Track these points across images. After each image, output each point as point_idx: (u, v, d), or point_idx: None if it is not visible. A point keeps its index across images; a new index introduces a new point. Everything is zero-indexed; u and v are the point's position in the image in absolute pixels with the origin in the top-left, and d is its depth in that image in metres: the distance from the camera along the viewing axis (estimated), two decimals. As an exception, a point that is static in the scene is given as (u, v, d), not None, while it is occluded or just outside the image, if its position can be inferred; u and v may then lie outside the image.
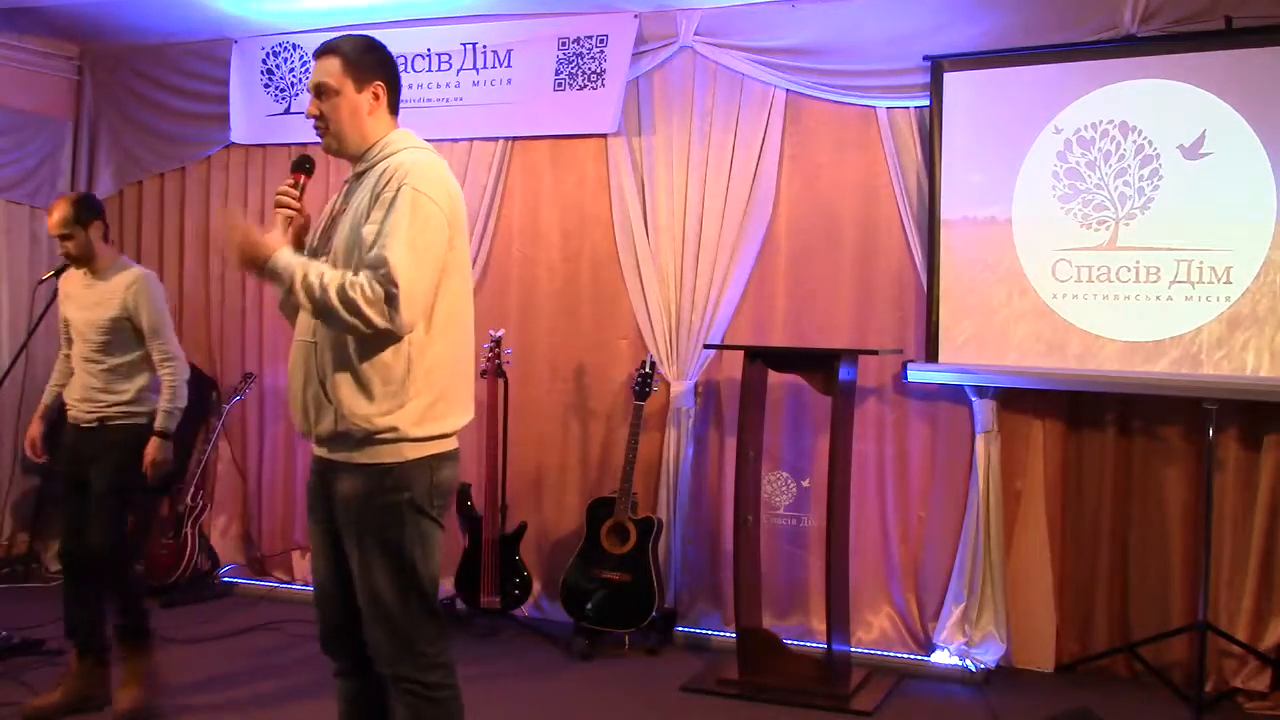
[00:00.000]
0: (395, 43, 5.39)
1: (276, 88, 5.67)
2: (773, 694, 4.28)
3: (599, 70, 5.15)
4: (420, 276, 2.54)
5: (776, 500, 4.99)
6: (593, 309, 5.32)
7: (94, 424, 4.07)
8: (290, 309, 2.79)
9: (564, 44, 5.22)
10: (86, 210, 4.07)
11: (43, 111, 6.12)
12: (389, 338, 2.57)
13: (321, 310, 2.54)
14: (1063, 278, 4.49)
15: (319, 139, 2.74)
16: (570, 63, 5.20)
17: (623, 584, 4.82)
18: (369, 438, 2.60)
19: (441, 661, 2.69)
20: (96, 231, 4.09)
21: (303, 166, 2.76)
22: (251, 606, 5.44)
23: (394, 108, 2.76)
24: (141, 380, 4.08)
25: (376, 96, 2.70)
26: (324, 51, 2.72)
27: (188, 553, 5.55)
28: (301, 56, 5.64)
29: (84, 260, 4.08)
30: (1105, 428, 4.56)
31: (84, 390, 4.07)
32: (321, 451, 2.72)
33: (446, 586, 5.36)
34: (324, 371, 2.63)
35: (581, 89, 5.18)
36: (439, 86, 5.43)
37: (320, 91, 2.68)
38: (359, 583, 2.66)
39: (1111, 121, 4.41)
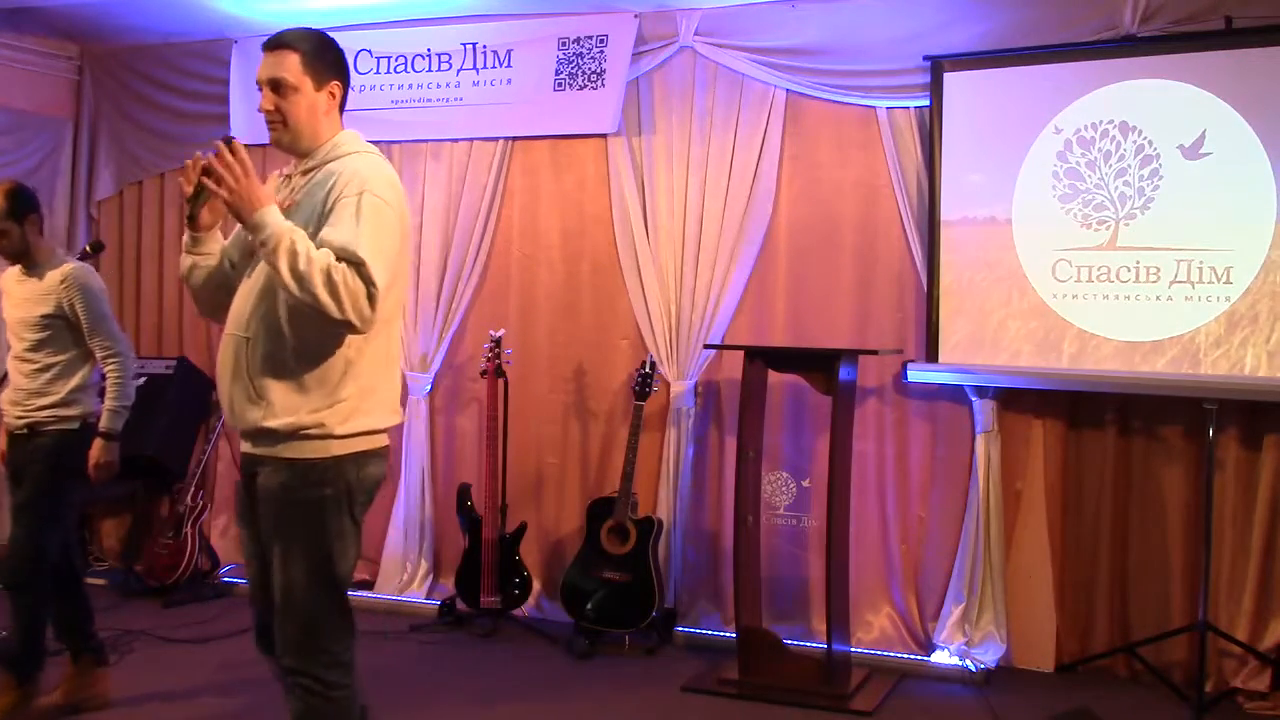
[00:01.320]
0: (395, 43, 5.50)
1: (276, 88, 5.66)
2: (773, 694, 4.28)
3: (599, 70, 5.15)
4: (386, 281, 2.57)
5: (776, 500, 4.99)
6: (593, 309, 5.32)
7: (24, 430, 3.87)
8: (200, 285, 2.76)
9: (564, 44, 5.21)
10: (22, 203, 3.86)
11: (43, 111, 6.11)
12: (331, 335, 2.59)
13: (298, 278, 2.48)
14: (1062, 278, 4.49)
15: (271, 130, 2.72)
16: (570, 63, 5.20)
17: (623, 584, 4.82)
18: (295, 433, 2.62)
19: (344, 660, 2.70)
20: (33, 226, 3.90)
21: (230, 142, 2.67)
22: (251, 606, 5.42)
23: (343, 107, 2.79)
24: (75, 381, 3.87)
25: (333, 95, 2.74)
26: (280, 45, 2.69)
27: (188, 553, 5.55)
28: (301, 56, 5.63)
29: (19, 255, 3.91)
30: (1105, 428, 4.55)
31: (15, 393, 3.89)
32: (247, 447, 2.72)
33: (447, 586, 5.38)
34: (254, 367, 2.63)
35: (581, 89, 5.18)
36: (439, 86, 5.43)
37: (277, 86, 2.67)
38: (276, 575, 2.67)
39: (1111, 121, 4.40)
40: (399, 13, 5.40)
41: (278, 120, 2.69)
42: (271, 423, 2.61)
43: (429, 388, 5.50)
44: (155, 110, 6.08)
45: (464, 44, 5.39)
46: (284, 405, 2.61)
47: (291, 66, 2.67)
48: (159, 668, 4.51)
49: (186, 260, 2.79)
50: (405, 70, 5.47)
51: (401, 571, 5.47)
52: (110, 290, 6.19)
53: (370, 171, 2.65)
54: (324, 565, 2.66)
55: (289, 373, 2.61)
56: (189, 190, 2.64)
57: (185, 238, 2.78)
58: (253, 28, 5.68)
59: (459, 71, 5.40)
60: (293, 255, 2.48)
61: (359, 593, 5.48)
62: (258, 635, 2.88)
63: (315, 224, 2.61)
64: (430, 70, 5.44)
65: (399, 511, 5.50)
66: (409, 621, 5.15)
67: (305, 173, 2.74)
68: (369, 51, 5.49)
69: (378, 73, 5.49)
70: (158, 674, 4.43)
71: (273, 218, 2.53)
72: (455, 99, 5.40)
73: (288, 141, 2.73)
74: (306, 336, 2.60)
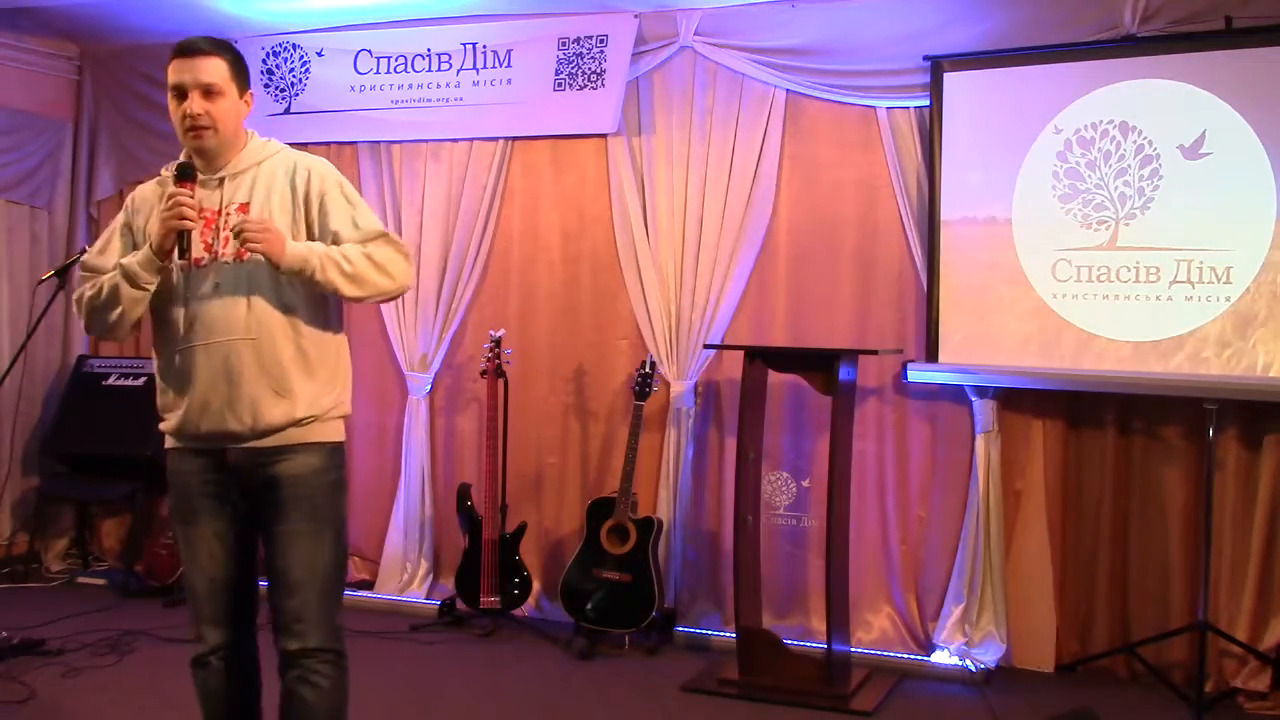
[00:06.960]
0: (395, 43, 5.51)
1: (277, 88, 5.67)
2: (773, 694, 4.28)
3: (599, 70, 5.15)
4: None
5: (776, 500, 4.99)
6: (593, 309, 5.32)
7: None
8: (138, 312, 2.75)
9: (564, 44, 5.22)
10: None
11: (43, 111, 6.12)
12: (327, 318, 2.80)
13: (354, 281, 2.71)
14: (1063, 277, 4.49)
15: (198, 135, 2.74)
16: (570, 63, 5.20)
17: (623, 584, 4.82)
18: (320, 416, 2.77)
19: (343, 632, 2.86)
20: None
21: (189, 175, 2.74)
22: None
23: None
24: None
25: (248, 104, 2.85)
26: (204, 52, 2.73)
27: (188, 553, 5.53)
28: (302, 57, 5.63)
29: None
30: (1105, 428, 4.56)
31: None
32: (246, 445, 2.72)
33: (447, 586, 5.38)
34: (275, 365, 2.72)
35: (581, 89, 5.18)
36: (439, 86, 5.43)
37: (208, 91, 2.73)
38: (299, 557, 2.73)
39: (1111, 121, 4.41)
40: (399, 13, 5.40)
41: (208, 125, 2.73)
42: (301, 412, 2.73)
43: (429, 388, 5.50)
44: (155, 110, 6.06)
45: (464, 44, 5.39)
46: (305, 393, 2.75)
47: (220, 72, 2.74)
48: (159, 668, 4.51)
49: (139, 294, 2.72)
50: (405, 70, 5.47)
51: (401, 571, 5.47)
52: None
53: (322, 161, 2.88)
54: (344, 542, 2.87)
55: (304, 362, 2.75)
56: (190, 226, 2.67)
57: (150, 269, 2.71)
58: (253, 28, 5.68)
59: (459, 71, 5.40)
60: (338, 267, 2.69)
61: (359, 593, 5.49)
62: (208, 637, 2.85)
63: (291, 215, 2.77)
64: (430, 70, 5.44)
65: (399, 511, 5.51)
66: (409, 621, 5.15)
67: (235, 176, 2.79)
68: (369, 51, 5.49)
69: (378, 73, 5.48)
70: (158, 674, 4.43)
71: (304, 248, 2.69)
72: (455, 99, 5.40)
73: (215, 145, 2.77)
74: (312, 324, 2.76)
